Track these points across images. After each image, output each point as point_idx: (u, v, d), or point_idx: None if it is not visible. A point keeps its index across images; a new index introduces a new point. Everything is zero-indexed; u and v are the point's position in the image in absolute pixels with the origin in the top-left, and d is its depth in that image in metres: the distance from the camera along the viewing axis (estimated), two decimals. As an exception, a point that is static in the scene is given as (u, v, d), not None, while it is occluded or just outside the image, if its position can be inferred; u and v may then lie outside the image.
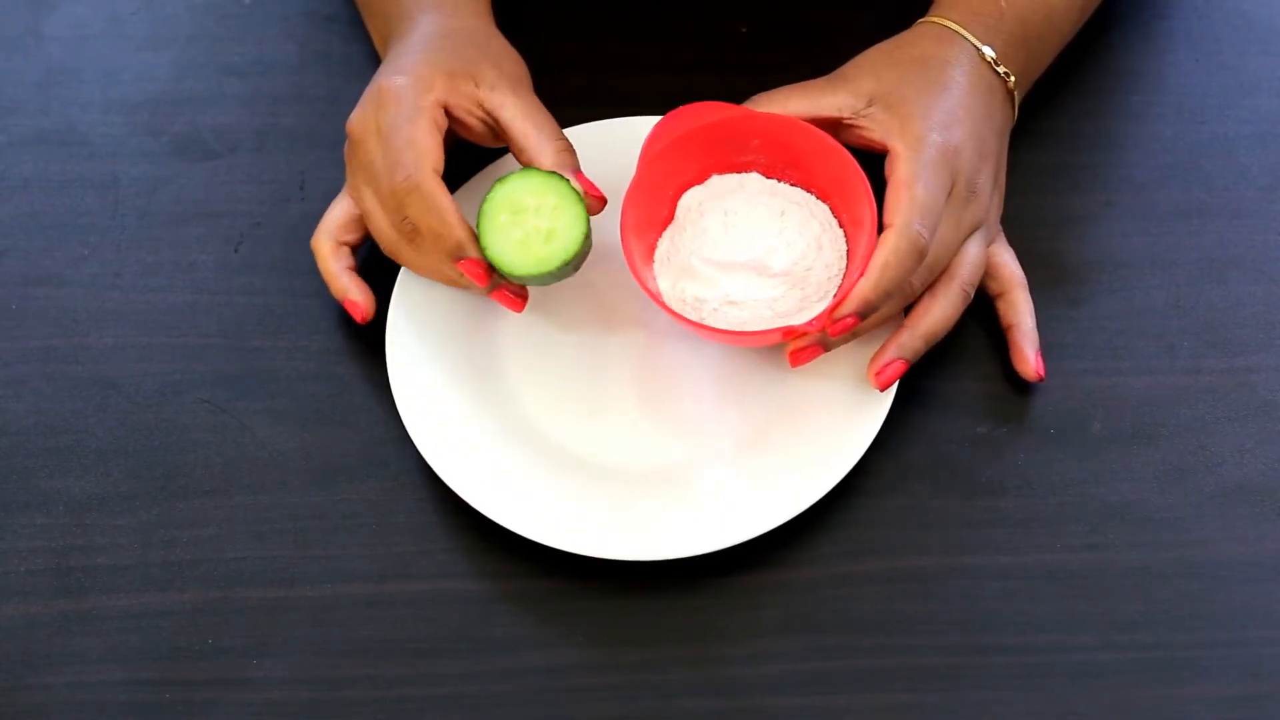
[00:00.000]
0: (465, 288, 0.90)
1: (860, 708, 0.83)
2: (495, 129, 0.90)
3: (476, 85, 0.89)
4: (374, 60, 1.00)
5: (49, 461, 0.90)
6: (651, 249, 0.90)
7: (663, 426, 0.90)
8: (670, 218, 0.91)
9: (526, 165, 0.88)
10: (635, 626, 0.84)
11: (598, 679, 0.84)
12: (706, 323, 0.87)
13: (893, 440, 0.88)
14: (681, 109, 0.90)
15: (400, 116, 0.87)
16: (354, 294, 0.91)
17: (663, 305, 0.86)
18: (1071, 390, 0.90)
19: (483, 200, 0.87)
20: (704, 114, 0.90)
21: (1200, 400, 0.90)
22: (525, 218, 0.87)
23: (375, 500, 0.88)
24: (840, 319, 0.84)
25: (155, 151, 1.01)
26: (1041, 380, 0.89)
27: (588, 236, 0.87)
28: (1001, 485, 0.88)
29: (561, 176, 0.87)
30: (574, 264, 0.87)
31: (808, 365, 0.88)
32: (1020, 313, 0.90)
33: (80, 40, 1.05)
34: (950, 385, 0.90)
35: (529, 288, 0.89)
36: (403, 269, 0.92)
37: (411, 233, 0.88)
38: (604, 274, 0.93)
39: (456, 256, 0.87)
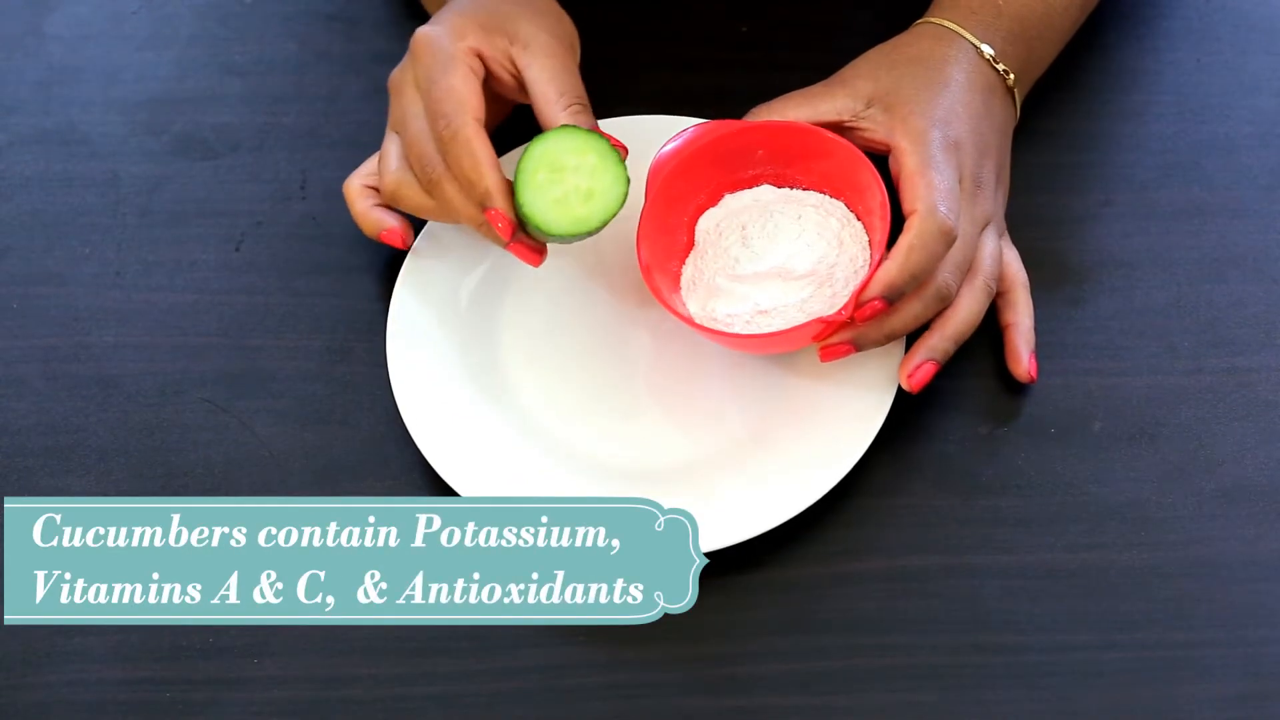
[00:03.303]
0: (485, 234, 0.89)
1: (860, 708, 0.83)
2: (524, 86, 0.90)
3: (510, 42, 0.89)
4: (375, 59, 1.00)
5: (49, 461, 0.90)
6: (675, 276, 0.90)
7: (664, 426, 0.90)
8: (689, 243, 0.91)
9: (549, 124, 0.87)
10: (635, 626, 0.84)
11: (598, 679, 0.84)
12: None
13: (893, 440, 0.88)
14: (681, 132, 0.90)
15: (435, 67, 0.87)
16: (389, 221, 0.92)
17: (695, 325, 0.86)
18: (1071, 390, 0.90)
19: (521, 155, 0.86)
20: (705, 133, 0.89)
21: (1200, 400, 0.90)
22: (564, 176, 0.85)
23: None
24: (866, 302, 0.84)
25: (156, 151, 1.01)
26: (1033, 381, 0.89)
27: (625, 196, 0.86)
28: (1001, 485, 0.88)
29: (602, 136, 0.85)
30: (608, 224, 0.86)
31: (810, 365, 0.88)
32: (1019, 312, 0.90)
33: (81, 40, 1.05)
34: (950, 385, 0.90)
35: (548, 248, 0.89)
36: (403, 271, 0.92)
37: (431, 184, 0.88)
38: (607, 274, 0.93)
39: (483, 205, 0.86)
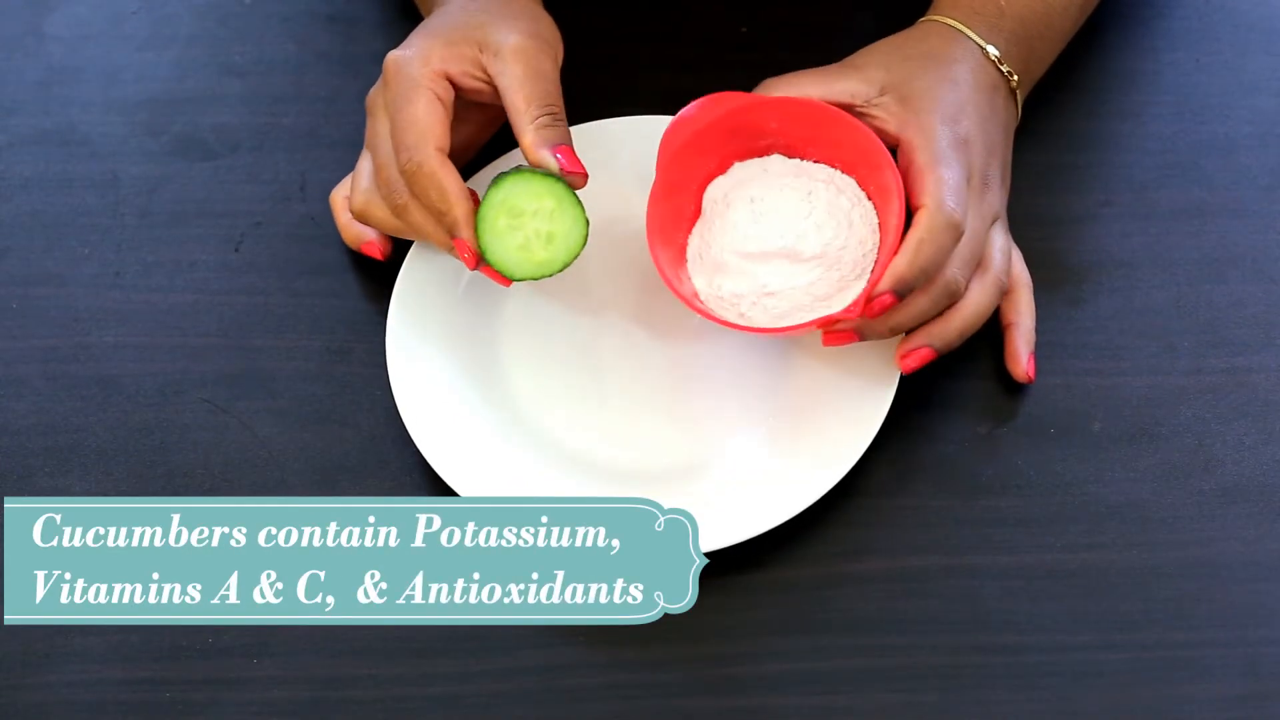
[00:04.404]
0: (454, 256, 0.89)
1: (860, 708, 0.83)
2: None
3: (480, 50, 0.88)
4: (374, 60, 1.00)
5: (49, 461, 0.90)
6: (682, 249, 0.90)
7: (663, 426, 0.90)
8: (697, 213, 0.90)
9: (518, 139, 0.87)
10: (635, 626, 0.84)
11: (598, 679, 0.84)
12: (745, 315, 0.86)
13: (893, 440, 0.88)
14: (694, 104, 0.89)
15: (400, 96, 0.87)
16: (368, 234, 0.92)
17: (697, 309, 0.86)
18: (1071, 390, 0.90)
19: (480, 202, 0.87)
20: (717, 105, 0.89)
21: (1200, 400, 0.90)
22: (524, 221, 0.86)
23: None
24: (877, 298, 0.83)
25: (156, 151, 1.01)
26: (1031, 382, 0.89)
27: (586, 237, 0.87)
28: (1001, 485, 0.88)
29: (557, 178, 0.86)
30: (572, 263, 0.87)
31: (809, 365, 0.88)
32: (1021, 312, 0.90)
33: (81, 40, 1.05)
34: (950, 385, 0.90)
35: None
36: (402, 272, 0.92)
37: (398, 209, 0.88)
38: (605, 274, 0.93)
39: (452, 235, 0.87)
